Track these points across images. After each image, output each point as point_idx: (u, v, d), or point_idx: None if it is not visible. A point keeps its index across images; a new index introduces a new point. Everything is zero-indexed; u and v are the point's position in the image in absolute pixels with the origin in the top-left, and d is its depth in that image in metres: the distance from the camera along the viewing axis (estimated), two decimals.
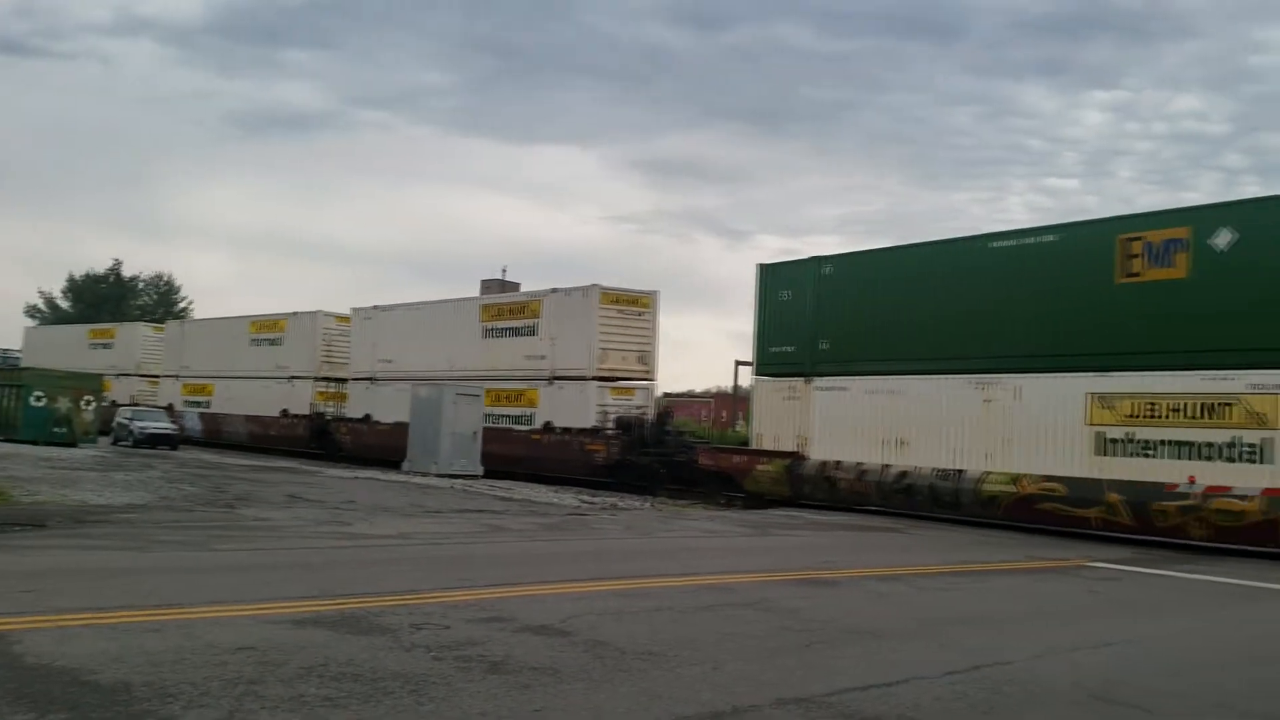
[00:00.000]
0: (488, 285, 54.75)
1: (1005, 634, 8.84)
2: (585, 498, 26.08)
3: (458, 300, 38.12)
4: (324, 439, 40.51)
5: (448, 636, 7.29)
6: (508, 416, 33.69)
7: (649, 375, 32.41)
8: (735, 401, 42.99)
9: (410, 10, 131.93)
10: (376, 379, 38.96)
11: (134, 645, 6.48)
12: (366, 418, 38.96)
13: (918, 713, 5.91)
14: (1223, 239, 18.22)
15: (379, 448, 36.84)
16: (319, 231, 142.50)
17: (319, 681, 5.85)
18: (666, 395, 43.56)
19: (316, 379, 41.65)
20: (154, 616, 7.41)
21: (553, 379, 32.53)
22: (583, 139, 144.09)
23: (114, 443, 39.45)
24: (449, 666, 6.39)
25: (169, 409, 45.82)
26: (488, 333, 35.11)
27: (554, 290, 33.20)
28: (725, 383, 41.80)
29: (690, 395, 77.94)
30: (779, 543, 16.71)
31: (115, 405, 44.39)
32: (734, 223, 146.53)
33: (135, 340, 52.97)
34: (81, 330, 59.07)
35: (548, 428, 32.46)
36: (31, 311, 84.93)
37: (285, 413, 42.47)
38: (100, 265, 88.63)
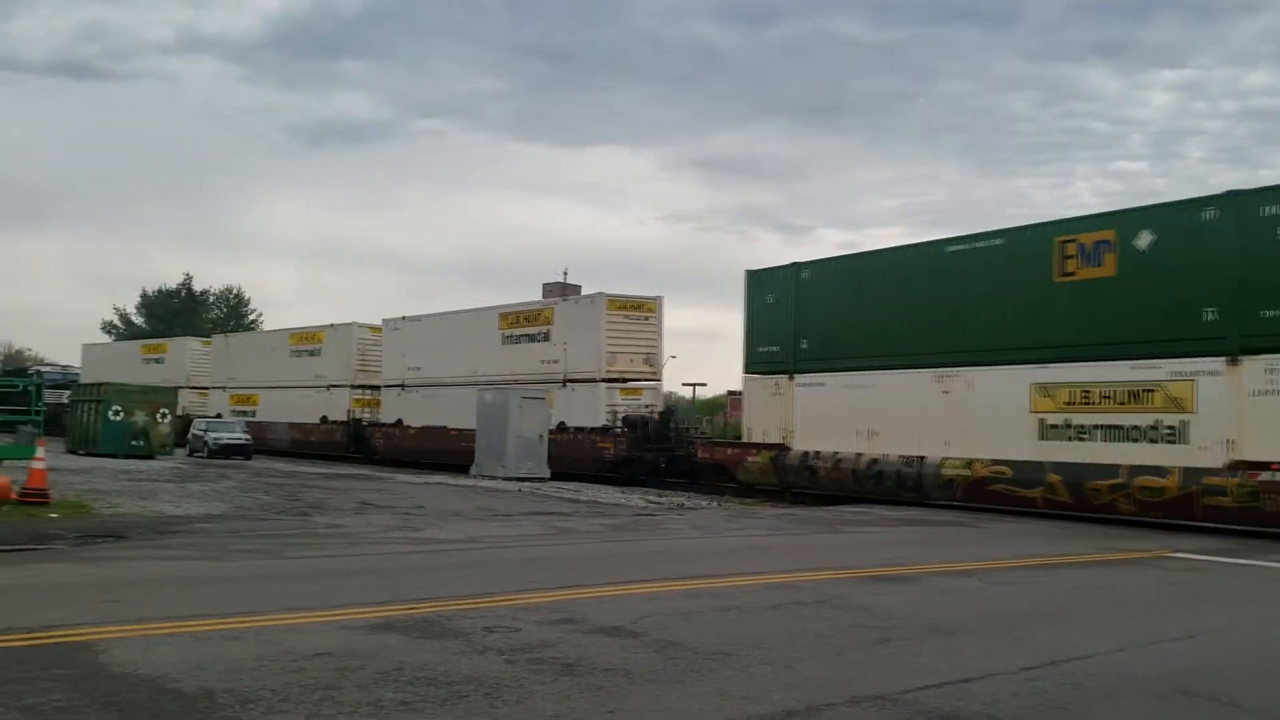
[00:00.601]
0: (549, 289, 55.26)
1: (1083, 628, 8.67)
2: (653, 498, 26.11)
3: (478, 310, 39.87)
4: (360, 443, 42.99)
5: (519, 639, 7.34)
6: None
7: (655, 376, 34.42)
8: None
9: (460, 18, 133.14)
10: (406, 386, 41.48)
11: (214, 653, 6.61)
12: (398, 422, 41.46)
13: (996, 709, 5.83)
14: (1144, 240, 20.19)
15: (410, 450, 39.75)
16: (378, 240, 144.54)
17: (394, 686, 5.91)
18: (730, 393, 44.64)
19: (352, 387, 44.25)
20: (233, 624, 7.55)
21: (566, 381, 34.55)
22: (635, 140, 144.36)
23: (190, 454, 40.32)
24: (521, 669, 6.43)
25: (217, 417, 47.42)
26: (506, 339, 37.31)
27: (565, 298, 36.08)
28: None
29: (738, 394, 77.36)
30: (848, 540, 16.58)
31: (188, 418, 45.57)
32: (791, 218, 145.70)
33: (185, 355, 55.39)
34: (135, 346, 61.70)
35: (562, 427, 34.18)
36: (108, 328, 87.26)
37: (324, 419, 44.99)
38: (172, 281, 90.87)
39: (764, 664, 6.81)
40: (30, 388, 26.75)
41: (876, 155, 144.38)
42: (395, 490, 25.12)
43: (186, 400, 51.65)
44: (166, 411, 38.69)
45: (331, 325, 46.47)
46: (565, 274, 54.99)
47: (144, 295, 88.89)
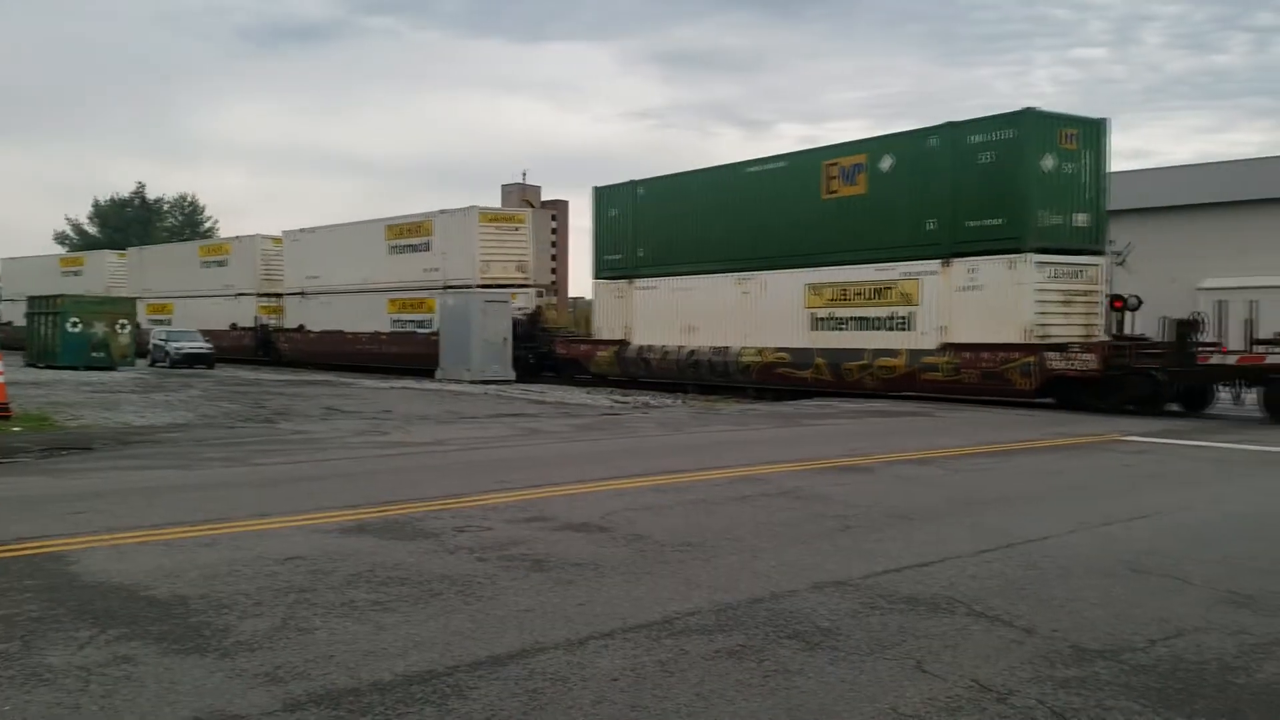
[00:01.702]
0: (508, 190, 54.88)
1: (1038, 511, 8.92)
2: (617, 397, 26.30)
3: (367, 222, 42.61)
4: (267, 348, 45.88)
5: (490, 537, 7.45)
6: (412, 322, 38.62)
7: (528, 282, 37.71)
8: None
9: None
10: (306, 293, 44.36)
11: (187, 560, 6.67)
12: (300, 327, 44.56)
13: (954, 591, 6.02)
14: (886, 163, 24.49)
15: (312, 353, 42.97)
16: (338, 144, 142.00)
17: (368, 587, 6.01)
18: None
19: (258, 295, 47.06)
20: (204, 531, 7.61)
21: (445, 287, 36.89)
22: (594, 35, 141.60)
23: (151, 364, 40.01)
24: (493, 566, 6.55)
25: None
26: (392, 249, 40.10)
27: (441, 211, 38.10)
28: None
29: None
30: (810, 432, 16.84)
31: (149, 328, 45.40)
32: (754, 113, 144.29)
33: (103, 267, 57.53)
34: (53, 260, 62.97)
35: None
36: (61, 238, 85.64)
37: (234, 326, 47.67)
38: (125, 189, 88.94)
39: (730, 554, 6.97)
40: None
41: (839, 47, 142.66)
42: (360, 395, 25.13)
43: None
44: (125, 322, 38.23)
45: (237, 237, 50.05)
46: (524, 175, 54.82)
47: (96, 205, 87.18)
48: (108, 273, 56.14)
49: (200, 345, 40.38)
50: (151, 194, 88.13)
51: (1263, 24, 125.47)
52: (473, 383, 30.81)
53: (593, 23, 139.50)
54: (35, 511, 8.54)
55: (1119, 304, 21.70)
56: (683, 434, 16.36)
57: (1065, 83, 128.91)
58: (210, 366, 39.11)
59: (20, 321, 44.19)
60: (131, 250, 59.63)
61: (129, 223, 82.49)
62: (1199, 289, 32.96)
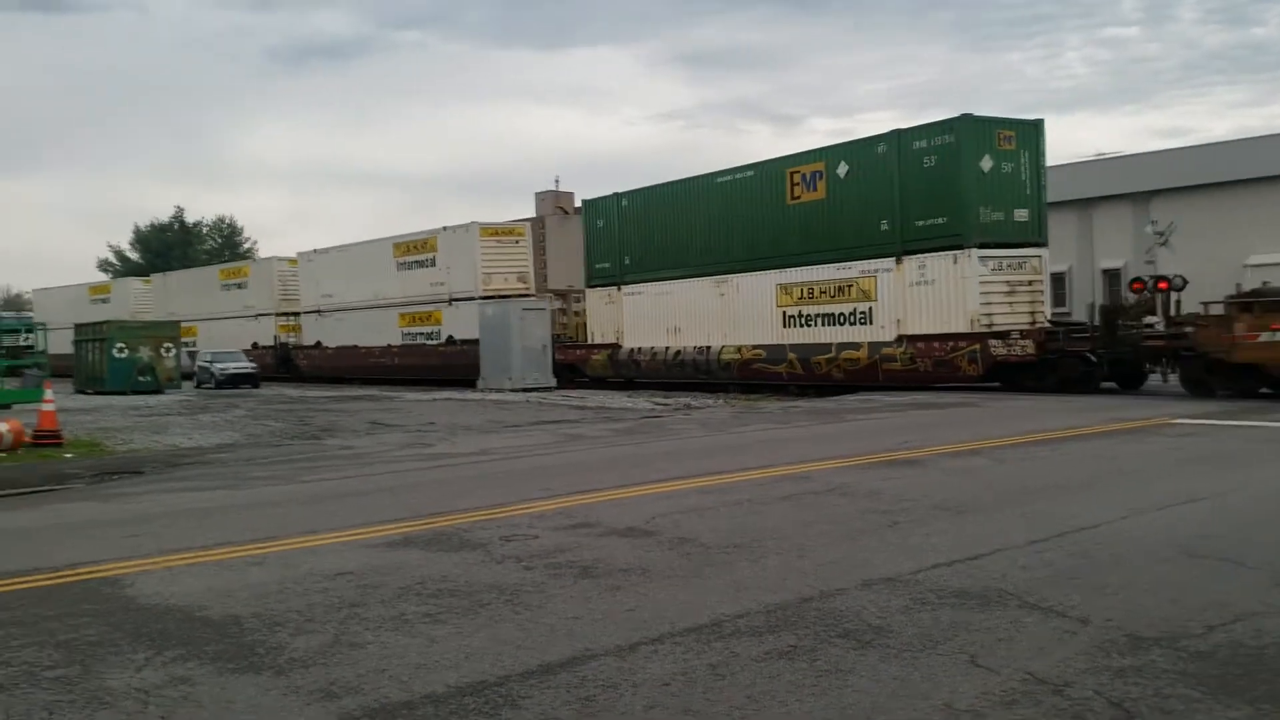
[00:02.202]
0: (542, 197, 54.99)
1: (1088, 499, 8.81)
2: (659, 400, 26.30)
3: (375, 240, 44.46)
4: (287, 364, 47.38)
5: (537, 546, 7.47)
6: (422, 334, 40.50)
7: (529, 291, 38.75)
8: None
9: None
10: (322, 311, 46.24)
11: (238, 580, 6.74)
12: (318, 344, 46.34)
13: (1005, 583, 5.96)
14: (842, 170, 26.42)
15: (330, 367, 44.86)
16: (369, 159, 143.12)
17: (418, 599, 6.05)
18: None
19: (277, 314, 48.87)
20: (254, 551, 7.69)
21: (450, 300, 39.03)
22: (617, 38, 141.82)
23: (197, 386, 40.46)
24: (540, 575, 6.56)
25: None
26: (400, 266, 41.87)
27: (444, 228, 39.94)
28: None
29: None
30: (854, 428, 16.74)
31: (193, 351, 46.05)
32: (783, 108, 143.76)
33: (128, 293, 58.58)
34: (82, 289, 63.67)
35: (450, 340, 38.78)
36: (104, 265, 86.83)
37: (255, 345, 48.72)
38: (164, 214, 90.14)
39: (776, 554, 6.94)
40: (33, 331, 26.76)
41: (864, 38, 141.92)
42: (404, 408, 25.30)
43: None
44: (171, 345, 38.70)
45: (254, 260, 53.48)
46: (557, 181, 54.90)
47: (137, 230, 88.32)
48: (133, 299, 57.31)
49: (244, 365, 40.80)
50: (190, 217, 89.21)
51: None
52: (514, 391, 30.92)
53: (614, 26, 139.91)
54: (89, 536, 8.68)
55: (1164, 285, 21.55)
56: (725, 434, 16.33)
57: (1097, 64, 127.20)
58: (255, 386, 39.49)
59: (64, 349, 45.11)
60: (156, 276, 61.17)
61: (170, 246, 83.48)
62: (1245, 265, 32.38)
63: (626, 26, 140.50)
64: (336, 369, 44.21)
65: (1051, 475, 10.45)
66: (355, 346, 43.45)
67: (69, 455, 15.63)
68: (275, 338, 48.32)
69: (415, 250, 41.12)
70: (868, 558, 6.75)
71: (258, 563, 7.26)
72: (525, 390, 30.92)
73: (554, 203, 52.40)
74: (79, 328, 42.24)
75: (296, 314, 48.02)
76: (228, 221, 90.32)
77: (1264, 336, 18.58)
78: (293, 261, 48.76)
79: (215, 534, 8.45)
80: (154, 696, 4.56)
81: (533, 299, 34.91)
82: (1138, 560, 6.44)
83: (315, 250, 47.54)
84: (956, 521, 7.91)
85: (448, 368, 37.63)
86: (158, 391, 36.18)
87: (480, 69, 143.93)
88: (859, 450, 12.75)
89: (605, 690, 4.43)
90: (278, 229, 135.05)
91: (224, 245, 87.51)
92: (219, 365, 40.41)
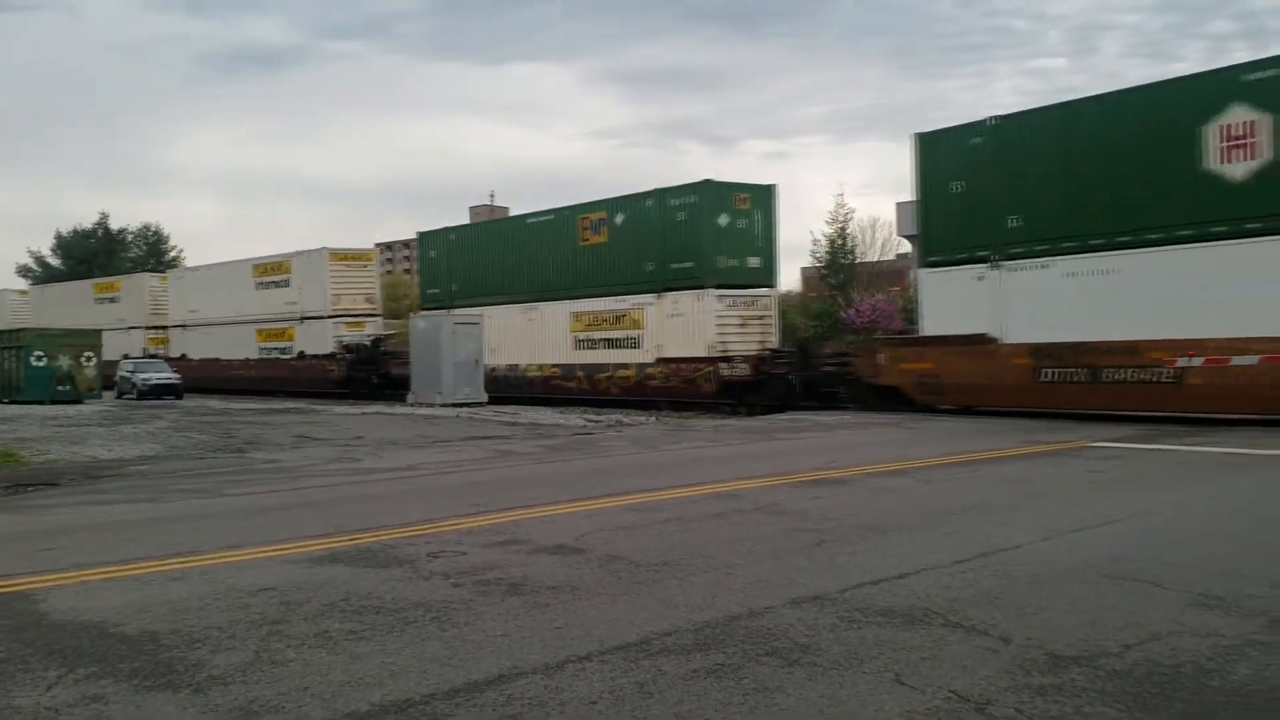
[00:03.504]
0: (477, 211, 55.24)
1: (1010, 520, 8.97)
2: (590, 417, 26.27)
3: (237, 261, 48.62)
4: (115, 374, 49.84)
5: (465, 562, 7.41)
6: (276, 349, 44.46)
7: (376, 312, 43.44)
8: None
9: None
10: (188, 325, 50.14)
11: (157, 595, 6.59)
12: (183, 356, 48.89)
13: (930, 602, 6.03)
14: (619, 219, 31.66)
15: (192, 378, 45.07)
16: (304, 169, 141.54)
17: (342, 616, 5.96)
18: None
19: (147, 328, 51.84)
20: (174, 565, 7.52)
21: (303, 318, 42.99)
22: (557, 55, 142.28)
23: (118, 396, 39.56)
24: (468, 592, 6.51)
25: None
26: (259, 285, 45.62)
27: (298, 252, 44.13)
28: None
29: None
30: (783, 446, 16.87)
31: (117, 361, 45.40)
32: (719, 129, 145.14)
33: (5, 305, 61.55)
34: None
35: (301, 355, 42.82)
36: (23, 271, 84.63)
37: (126, 356, 49.31)
38: (87, 220, 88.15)
39: (706, 572, 6.96)
40: None
41: (801, 61, 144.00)
42: (331, 422, 24.96)
43: None
44: (91, 354, 37.80)
45: (127, 276, 57.05)
46: (492, 196, 55.40)
47: (59, 236, 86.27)
48: (10, 310, 59.74)
49: (168, 376, 39.97)
50: (116, 224, 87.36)
51: (1218, 31, 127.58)
52: (444, 405, 30.68)
53: (554, 44, 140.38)
54: (1, 549, 8.41)
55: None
56: (657, 452, 16.35)
57: (1026, 93, 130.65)
58: (179, 397, 38.71)
59: None
60: (34, 288, 64.79)
61: (92, 254, 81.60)
62: None
63: (566, 43, 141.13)
64: (200, 379, 45.78)
65: (974, 496, 10.63)
66: (217, 359, 46.74)
67: None
68: (144, 349, 50.40)
69: (272, 271, 45.13)
70: (795, 576, 6.80)
71: (178, 578, 7.10)
72: (456, 405, 30.70)
73: (489, 216, 52.46)
74: None
75: (165, 328, 51.57)
76: (154, 229, 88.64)
77: (900, 366, 23.46)
78: (164, 278, 53.72)
79: (134, 548, 8.26)
80: (64, 715, 4.43)
81: (464, 314, 34.80)
82: (1057, 581, 6.56)
83: (184, 268, 53.67)
84: (882, 540, 8.01)
85: (297, 380, 41.94)
86: (77, 401, 35.32)
87: (418, 82, 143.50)
88: (788, 469, 12.85)
89: (532, 708, 4.40)
90: (207, 237, 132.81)
91: (149, 253, 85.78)
92: (141, 375, 39.56)
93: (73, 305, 54.98)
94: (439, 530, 8.80)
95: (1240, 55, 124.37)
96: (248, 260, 47.27)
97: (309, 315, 42.58)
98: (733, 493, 10.83)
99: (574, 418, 25.84)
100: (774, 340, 29.90)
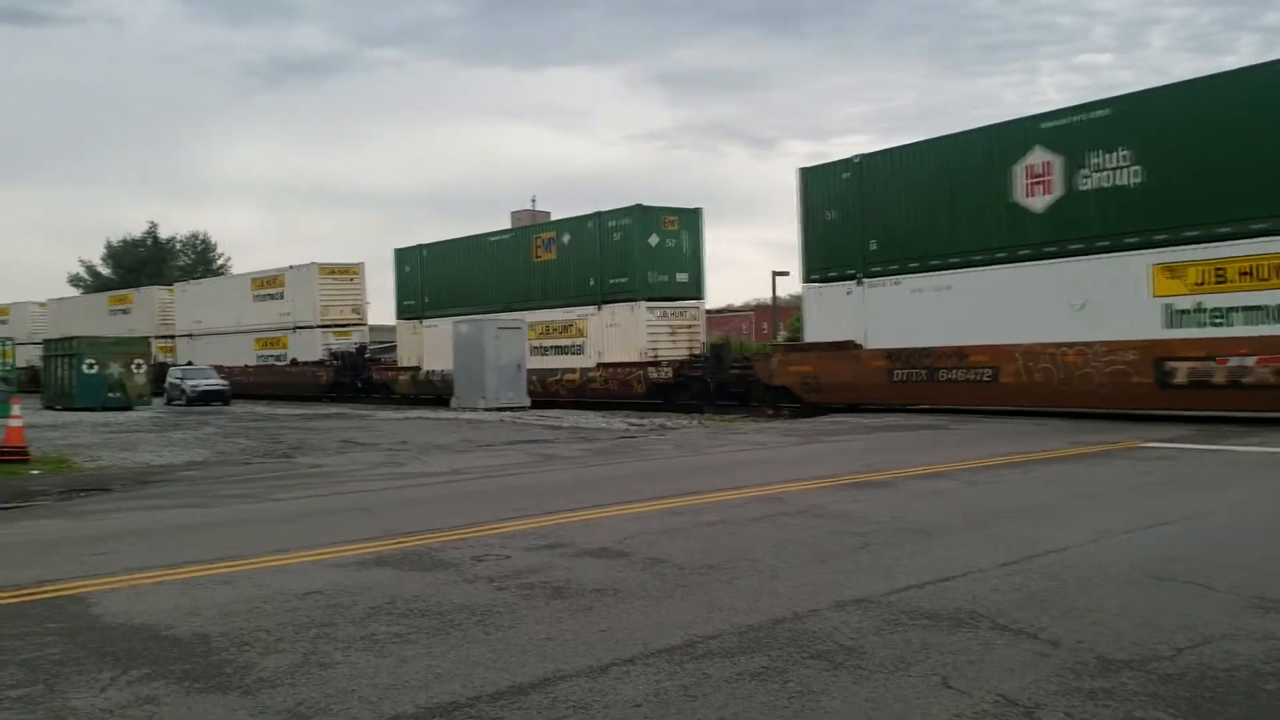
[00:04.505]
0: (518, 216, 55.49)
1: (1058, 522, 8.86)
2: (633, 420, 26.30)
3: (236, 276, 54.64)
4: (162, 379, 50.29)
5: (509, 566, 7.44)
6: (272, 356, 47.71)
7: (363, 322, 46.81)
8: (775, 312, 46.72)
9: None
10: (194, 335, 53.19)
11: (207, 598, 6.67)
12: (189, 363, 50.13)
13: (976, 605, 5.97)
14: (566, 238, 34.85)
15: (156, 384, 46.48)
16: (346, 176, 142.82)
17: (388, 619, 6.00)
18: (711, 310, 52.10)
19: (156, 337, 53.25)
20: (223, 569, 7.61)
21: (295, 328, 46.26)
22: (597, 58, 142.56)
23: (168, 402, 40.18)
24: (512, 595, 6.53)
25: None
26: (256, 298, 49.12)
27: (290, 267, 47.50)
28: (766, 295, 48.97)
29: (730, 310, 77.97)
30: (827, 449, 16.79)
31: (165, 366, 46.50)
32: (760, 130, 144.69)
33: (26, 316, 63.72)
34: None
35: (294, 362, 46.14)
36: (75, 280, 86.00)
37: (173, 363, 52.73)
38: (137, 229, 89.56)
39: (750, 575, 6.94)
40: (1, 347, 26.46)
41: (841, 61, 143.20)
42: (377, 427, 25.17)
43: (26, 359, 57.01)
44: (141, 361, 38.42)
45: (137, 289, 59.91)
46: (534, 200, 55.57)
47: (109, 246, 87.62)
48: (30, 322, 61.94)
49: (216, 382, 40.54)
50: (164, 233, 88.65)
51: (1270, 23, 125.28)
52: (487, 410, 30.84)
53: (594, 47, 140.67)
54: (55, 554, 8.57)
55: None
56: (699, 455, 16.33)
57: (1072, 89, 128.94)
58: (226, 403, 39.26)
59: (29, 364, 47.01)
60: (51, 301, 66.28)
61: (142, 263, 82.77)
62: None
63: (604, 47, 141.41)
64: (159, 385, 47.99)
65: (1019, 498, 10.52)
66: (219, 366, 48.38)
67: (35, 472, 15.44)
68: (153, 357, 51.85)
69: (268, 285, 48.70)
70: (839, 579, 6.76)
71: (226, 581, 7.19)
72: (499, 410, 30.85)
73: (531, 221, 52.82)
74: (48, 343, 41.99)
75: (173, 337, 54.46)
76: (201, 238, 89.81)
77: (788, 369, 26.97)
78: (171, 290, 57.14)
79: (184, 552, 8.37)
80: (118, 716, 4.49)
81: (508, 318, 35.00)
82: (1107, 583, 6.47)
83: (190, 282, 58.08)
84: (927, 543, 7.94)
85: (291, 385, 45.32)
86: (128, 408, 35.90)
87: (458, 88, 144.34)
88: (831, 471, 12.78)
89: (576, 711, 4.40)
90: (252, 245, 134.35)
91: (197, 261, 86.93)
92: (190, 382, 40.17)
93: (89, 317, 57.44)
94: (483, 534, 8.84)
95: None
96: (246, 274, 51.81)
97: (301, 325, 46.07)
98: (776, 496, 10.79)
99: (617, 421, 25.87)
100: (700, 347, 32.99)
